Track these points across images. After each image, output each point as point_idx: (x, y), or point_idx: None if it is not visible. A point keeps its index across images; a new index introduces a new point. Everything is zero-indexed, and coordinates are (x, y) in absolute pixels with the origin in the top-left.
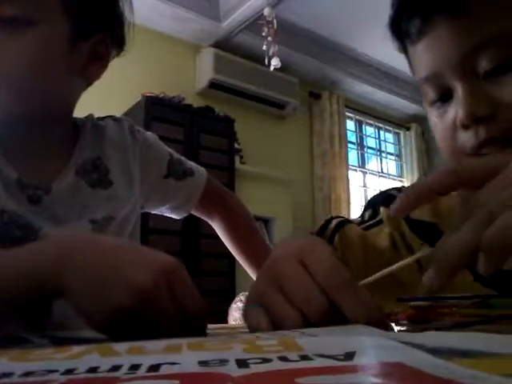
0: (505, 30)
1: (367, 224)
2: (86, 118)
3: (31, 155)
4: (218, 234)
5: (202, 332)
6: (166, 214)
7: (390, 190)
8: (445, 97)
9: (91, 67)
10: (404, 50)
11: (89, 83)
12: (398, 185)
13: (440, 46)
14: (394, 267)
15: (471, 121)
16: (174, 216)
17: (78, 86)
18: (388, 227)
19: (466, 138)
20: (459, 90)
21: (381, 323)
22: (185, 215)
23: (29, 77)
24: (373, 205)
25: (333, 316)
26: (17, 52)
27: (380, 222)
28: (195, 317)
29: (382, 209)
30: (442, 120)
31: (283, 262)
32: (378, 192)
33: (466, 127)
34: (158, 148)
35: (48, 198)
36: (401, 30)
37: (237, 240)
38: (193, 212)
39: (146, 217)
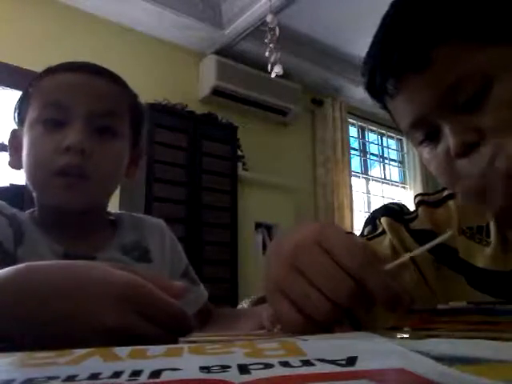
0: (470, 69)
1: (368, 237)
2: (121, 213)
3: (74, 234)
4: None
5: (186, 330)
6: None
7: (389, 204)
8: (431, 135)
9: (131, 170)
10: (384, 105)
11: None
12: (401, 191)
13: (416, 97)
14: (418, 251)
15: (463, 149)
16: None
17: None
18: (389, 236)
19: (461, 166)
20: (445, 126)
21: (406, 302)
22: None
23: (114, 176)
24: (373, 219)
25: (360, 296)
26: (109, 156)
27: (381, 233)
28: (175, 324)
29: (382, 218)
30: (434, 155)
31: (303, 248)
32: (379, 204)
33: (459, 155)
34: (181, 249)
35: None
36: (377, 90)
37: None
38: None
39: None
